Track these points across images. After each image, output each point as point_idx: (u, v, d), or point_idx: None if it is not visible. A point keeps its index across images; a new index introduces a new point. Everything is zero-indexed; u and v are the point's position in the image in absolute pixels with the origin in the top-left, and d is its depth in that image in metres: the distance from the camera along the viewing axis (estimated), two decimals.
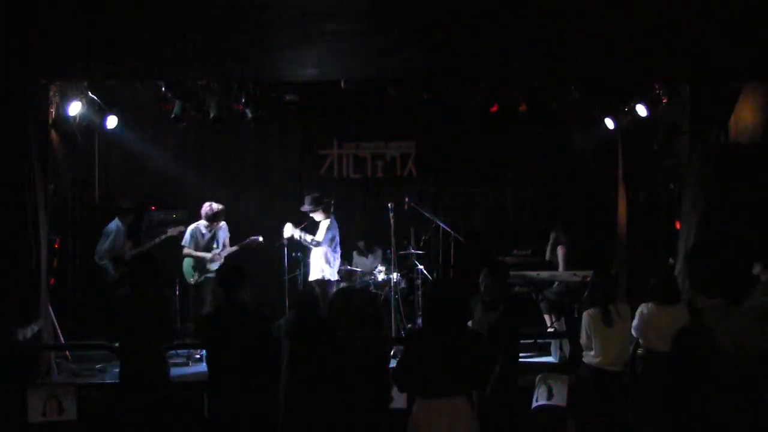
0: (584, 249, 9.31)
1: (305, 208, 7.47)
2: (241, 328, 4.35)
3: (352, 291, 4.10)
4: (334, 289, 7.43)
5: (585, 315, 5.03)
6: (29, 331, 5.76)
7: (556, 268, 7.88)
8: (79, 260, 8.33)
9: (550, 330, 7.89)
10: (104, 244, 7.43)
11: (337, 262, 7.57)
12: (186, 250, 7.44)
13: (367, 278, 8.22)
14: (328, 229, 7.41)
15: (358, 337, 3.61)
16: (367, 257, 8.83)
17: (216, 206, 7.46)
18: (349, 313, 3.67)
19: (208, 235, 7.48)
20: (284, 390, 5.07)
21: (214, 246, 7.48)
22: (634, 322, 5.05)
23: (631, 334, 5.11)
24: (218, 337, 4.41)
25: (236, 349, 4.29)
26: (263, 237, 7.68)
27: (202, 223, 7.48)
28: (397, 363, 3.87)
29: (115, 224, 7.53)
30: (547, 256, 8.20)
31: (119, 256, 7.40)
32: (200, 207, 7.65)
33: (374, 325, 3.93)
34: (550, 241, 8.17)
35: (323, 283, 7.35)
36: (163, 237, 7.61)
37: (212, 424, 4.42)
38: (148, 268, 4.82)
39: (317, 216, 7.47)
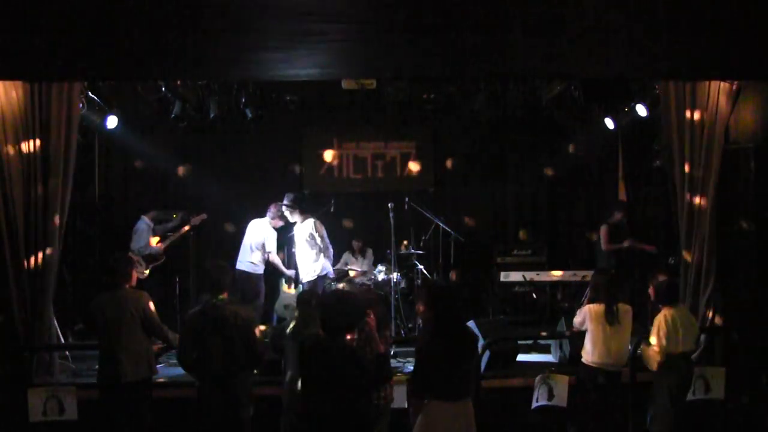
0: (584, 249, 9.35)
1: (284, 203, 7.21)
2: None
3: (341, 296, 4.08)
4: (322, 286, 7.24)
5: (585, 309, 4.96)
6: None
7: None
8: (79, 260, 8.32)
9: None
10: (139, 243, 7.57)
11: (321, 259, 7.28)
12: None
13: (363, 280, 8.14)
14: (316, 231, 7.12)
15: (338, 341, 3.64)
16: (357, 259, 8.78)
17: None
18: (333, 319, 3.69)
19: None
20: (286, 390, 5.06)
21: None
22: (662, 329, 4.88)
23: (630, 335, 5.09)
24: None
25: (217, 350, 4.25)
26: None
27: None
28: (413, 370, 3.90)
29: (143, 223, 7.68)
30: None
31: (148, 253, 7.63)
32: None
33: (355, 330, 3.93)
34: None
35: (314, 282, 7.15)
36: (186, 228, 7.78)
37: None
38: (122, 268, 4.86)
39: (294, 216, 7.19)
